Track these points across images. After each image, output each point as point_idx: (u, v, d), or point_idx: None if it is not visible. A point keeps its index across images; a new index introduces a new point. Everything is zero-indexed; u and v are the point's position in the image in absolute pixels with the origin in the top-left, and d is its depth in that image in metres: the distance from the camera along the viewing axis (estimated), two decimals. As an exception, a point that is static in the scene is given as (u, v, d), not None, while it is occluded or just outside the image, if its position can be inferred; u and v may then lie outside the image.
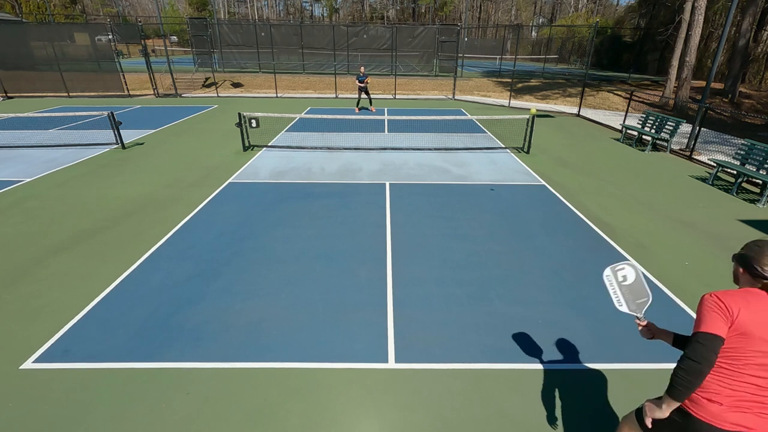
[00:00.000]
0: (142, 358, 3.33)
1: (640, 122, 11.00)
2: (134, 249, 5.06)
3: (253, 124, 9.72)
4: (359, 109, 14.73)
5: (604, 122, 13.80)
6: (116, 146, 9.77)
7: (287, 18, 67.15)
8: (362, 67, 14.12)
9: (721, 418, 1.61)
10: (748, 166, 7.55)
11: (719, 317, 1.59)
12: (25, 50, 18.13)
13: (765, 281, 1.64)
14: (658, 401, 1.73)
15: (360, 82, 13.91)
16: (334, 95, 19.38)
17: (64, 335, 3.59)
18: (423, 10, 60.31)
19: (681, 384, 1.60)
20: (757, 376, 1.58)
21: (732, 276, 1.84)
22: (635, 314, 2.04)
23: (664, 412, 1.68)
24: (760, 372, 1.58)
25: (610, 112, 16.18)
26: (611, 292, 2.14)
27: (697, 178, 8.19)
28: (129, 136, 10.77)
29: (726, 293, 1.63)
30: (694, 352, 1.58)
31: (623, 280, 2.15)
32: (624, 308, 2.06)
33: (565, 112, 15.90)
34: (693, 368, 1.57)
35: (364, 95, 14.41)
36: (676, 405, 1.67)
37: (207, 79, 21.50)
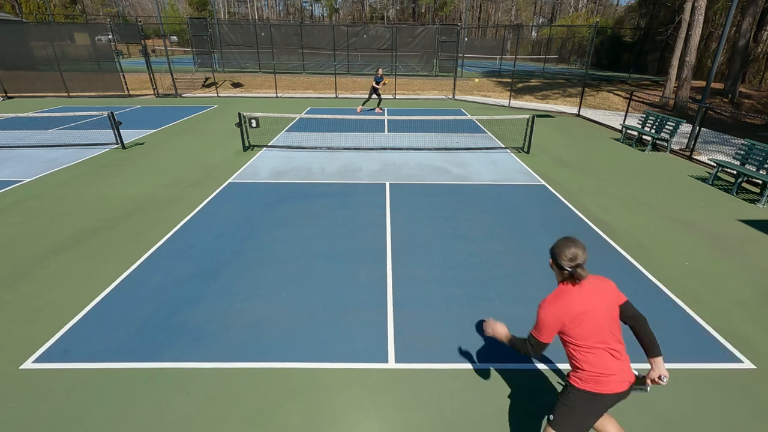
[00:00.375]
0: (142, 358, 3.33)
1: (640, 122, 10.99)
2: (134, 249, 5.06)
3: (253, 124, 9.72)
4: (361, 109, 14.68)
5: (604, 122, 13.80)
6: (116, 146, 9.77)
7: (287, 18, 67.17)
8: (380, 69, 14.06)
9: (611, 383, 2.04)
10: (748, 166, 7.55)
11: (547, 330, 2.07)
12: (25, 50, 18.13)
13: (565, 272, 2.02)
14: (513, 338, 2.28)
15: (377, 83, 13.88)
16: (334, 95, 19.39)
17: (64, 335, 3.59)
18: (423, 10, 60.32)
19: (522, 352, 2.19)
20: (597, 346, 2.03)
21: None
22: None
23: (502, 339, 2.31)
24: (597, 340, 2.03)
25: (610, 112, 16.18)
26: None
27: (697, 178, 8.19)
28: (129, 136, 10.77)
29: (552, 306, 2.04)
30: (531, 347, 2.14)
31: None
32: None
33: (565, 112, 15.90)
34: (529, 353, 2.17)
35: (374, 96, 14.32)
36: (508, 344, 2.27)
37: (207, 79, 21.51)
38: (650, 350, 2.15)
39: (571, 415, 2.12)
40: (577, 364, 2.10)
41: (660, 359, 2.13)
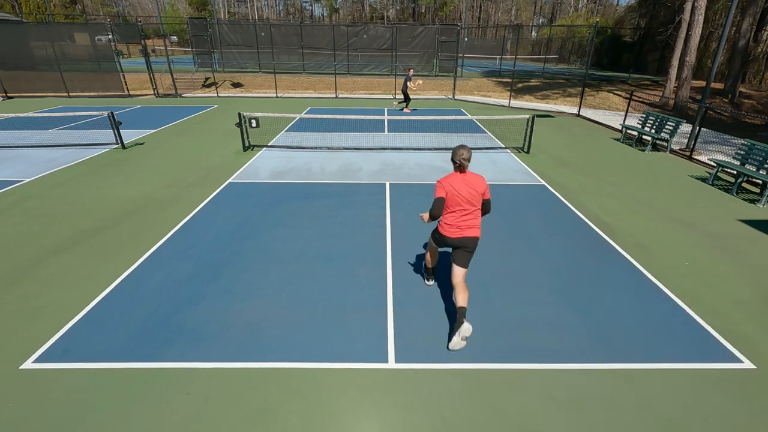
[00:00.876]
0: (142, 358, 3.33)
1: (640, 122, 11.00)
2: (134, 249, 5.06)
3: (253, 124, 9.72)
4: (399, 106, 15.05)
5: (604, 122, 13.80)
6: (116, 146, 9.77)
7: (287, 18, 67.15)
8: (410, 70, 14.43)
9: (448, 231, 3.56)
10: (748, 166, 7.55)
11: (441, 190, 3.45)
12: (25, 50, 18.12)
13: (456, 164, 3.45)
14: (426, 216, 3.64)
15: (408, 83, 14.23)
16: (334, 95, 19.39)
17: (64, 335, 3.59)
18: (423, 10, 60.29)
19: (432, 214, 3.50)
20: (453, 210, 3.51)
21: None
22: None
23: (426, 221, 3.64)
24: (455, 208, 3.49)
25: (610, 112, 16.18)
26: None
27: (697, 178, 8.19)
28: (129, 136, 10.77)
29: (446, 177, 3.49)
30: (435, 206, 3.46)
31: None
32: None
33: (565, 112, 15.90)
34: (434, 212, 3.48)
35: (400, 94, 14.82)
36: (430, 221, 3.61)
37: (207, 79, 21.51)
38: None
39: (432, 243, 3.95)
40: (443, 219, 3.60)
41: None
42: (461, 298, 3.47)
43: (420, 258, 4.93)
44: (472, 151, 9.90)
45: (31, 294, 4.18)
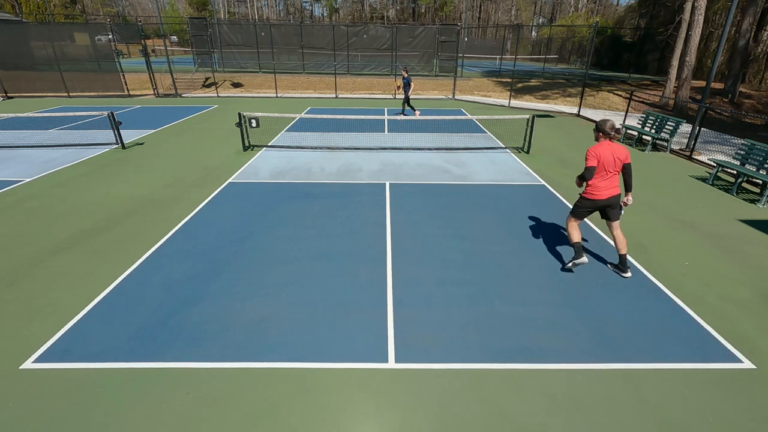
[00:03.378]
0: (142, 358, 3.33)
1: (640, 122, 11.00)
2: (134, 249, 5.06)
3: (253, 124, 9.72)
4: (418, 112, 14.36)
5: (604, 122, 13.76)
6: (116, 146, 9.77)
7: (287, 18, 67.15)
8: (405, 71, 13.80)
9: (600, 193, 4.31)
10: (748, 166, 7.55)
11: (593, 158, 4.15)
12: (25, 50, 18.12)
13: (608, 135, 4.19)
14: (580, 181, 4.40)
15: (406, 84, 13.71)
16: (334, 95, 19.39)
17: (64, 335, 3.59)
18: (423, 10, 60.30)
19: (585, 178, 4.26)
20: (602, 176, 4.25)
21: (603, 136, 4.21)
22: None
23: (579, 185, 4.46)
24: (604, 174, 4.23)
25: (611, 112, 16.18)
26: None
27: (697, 178, 8.19)
28: (129, 136, 10.77)
29: (595, 147, 4.19)
30: (588, 172, 4.20)
31: None
32: None
33: (565, 112, 15.90)
34: (587, 176, 4.23)
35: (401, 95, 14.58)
36: (580, 184, 4.42)
37: (207, 79, 21.51)
38: (627, 187, 4.43)
39: (578, 208, 4.51)
40: (589, 182, 4.30)
41: (630, 193, 4.44)
42: (621, 245, 4.47)
43: (420, 258, 4.93)
44: (473, 151, 9.99)
45: (31, 294, 4.18)
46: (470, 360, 3.37)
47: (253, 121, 9.68)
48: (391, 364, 3.33)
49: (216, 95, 19.08)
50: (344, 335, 3.63)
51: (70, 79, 18.14)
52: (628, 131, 11.49)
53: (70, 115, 12.67)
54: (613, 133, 4.14)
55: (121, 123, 9.74)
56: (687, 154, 9.72)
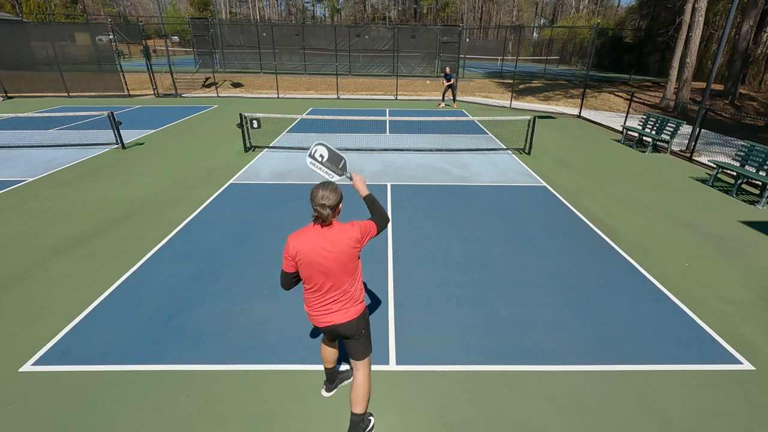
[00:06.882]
0: (143, 361, 3.32)
1: (641, 123, 11.00)
2: (135, 250, 5.06)
3: (255, 125, 9.72)
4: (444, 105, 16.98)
5: (605, 123, 13.80)
6: (116, 146, 9.77)
7: (289, 18, 67.19)
8: (447, 68, 16.45)
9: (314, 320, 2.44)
10: (747, 168, 7.55)
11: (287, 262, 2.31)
12: (26, 50, 18.15)
13: (315, 214, 2.23)
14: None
15: (447, 80, 16.12)
16: (335, 96, 19.38)
17: (64, 337, 3.59)
18: (425, 11, 60.33)
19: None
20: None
21: None
22: (346, 176, 2.58)
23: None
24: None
25: (611, 114, 16.18)
26: (320, 173, 2.56)
27: (697, 180, 8.19)
28: (129, 136, 10.77)
29: (291, 237, 2.31)
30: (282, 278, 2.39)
31: (321, 159, 2.57)
32: (336, 179, 2.55)
33: (566, 114, 15.90)
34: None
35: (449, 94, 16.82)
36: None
37: (207, 79, 21.50)
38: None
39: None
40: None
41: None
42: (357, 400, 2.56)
43: (421, 259, 4.93)
44: (474, 152, 9.96)
45: (31, 296, 4.18)
46: (471, 362, 3.37)
47: (255, 121, 9.68)
48: (393, 366, 3.32)
49: (216, 95, 19.07)
50: (345, 337, 3.62)
51: (70, 79, 18.15)
52: (629, 133, 11.49)
53: (70, 115, 12.68)
54: (321, 211, 2.20)
55: (121, 123, 9.74)
56: (687, 155, 9.71)
